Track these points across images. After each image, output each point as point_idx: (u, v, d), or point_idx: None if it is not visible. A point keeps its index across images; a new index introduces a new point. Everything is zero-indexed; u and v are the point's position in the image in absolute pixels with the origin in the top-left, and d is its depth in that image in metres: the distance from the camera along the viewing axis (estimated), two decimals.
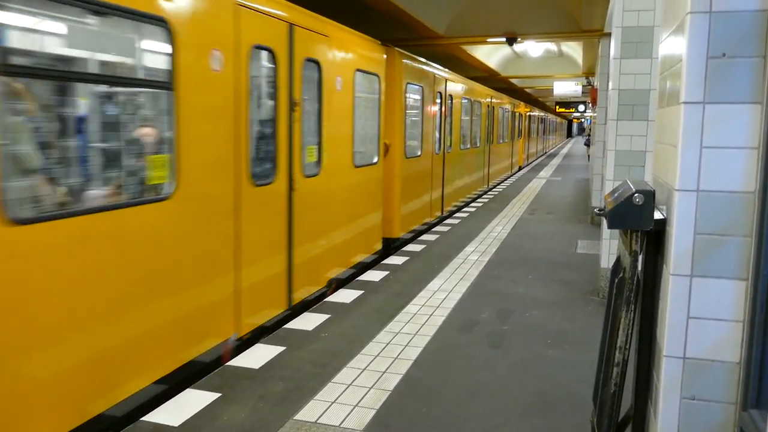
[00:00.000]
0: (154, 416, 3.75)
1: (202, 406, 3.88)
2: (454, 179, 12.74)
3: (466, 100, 13.95)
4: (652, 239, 2.32)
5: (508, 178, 21.60)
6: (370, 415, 3.81)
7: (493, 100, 17.85)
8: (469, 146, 14.54)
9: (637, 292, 2.35)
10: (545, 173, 23.58)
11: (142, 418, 3.72)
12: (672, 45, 2.23)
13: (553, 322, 5.68)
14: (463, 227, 10.86)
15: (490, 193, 16.69)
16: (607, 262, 6.31)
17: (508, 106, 21.59)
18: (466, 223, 11.29)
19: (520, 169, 25.72)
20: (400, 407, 3.94)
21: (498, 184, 18.79)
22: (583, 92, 23.07)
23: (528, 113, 28.34)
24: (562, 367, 4.65)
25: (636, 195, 2.21)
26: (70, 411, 3.39)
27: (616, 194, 2.48)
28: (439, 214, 11.68)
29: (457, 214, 12.45)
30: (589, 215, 11.70)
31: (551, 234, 10.30)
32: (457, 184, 13.21)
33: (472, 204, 14.21)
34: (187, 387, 4.19)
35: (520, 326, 5.56)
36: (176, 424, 3.65)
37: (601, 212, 2.55)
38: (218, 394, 4.05)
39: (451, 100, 12.47)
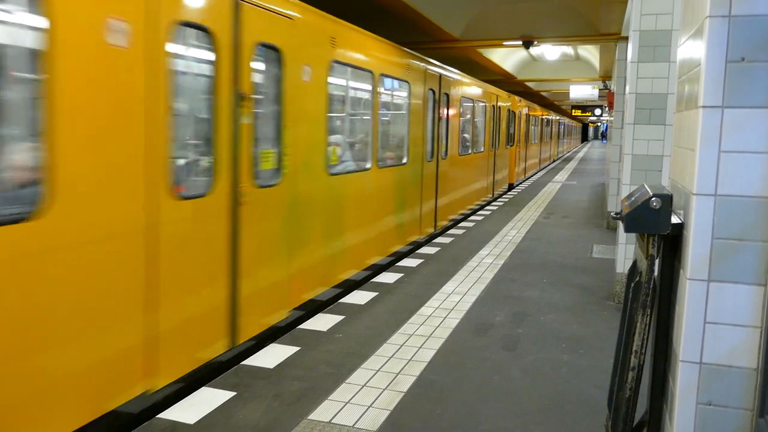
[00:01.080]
0: (170, 414, 3.78)
1: (217, 405, 3.92)
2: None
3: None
4: (669, 243, 2.31)
5: (482, 208, 14.16)
6: (383, 416, 3.82)
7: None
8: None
9: (654, 297, 2.34)
10: (561, 177, 23.48)
11: (157, 416, 3.76)
12: (690, 49, 2.22)
13: (567, 327, 5.66)
14: (477, 230, 10.84)
15: (497, 201, 16.60)
16: (623, 266, 6.28)
17: (481, 99, 13.79)
18: (480, 227, 11.27)
19: (510, 188, 18.27)
20: (414, 409, 3.95)
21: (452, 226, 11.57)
22: (599, 96, 22.97)
23: (523, 110, 20.13)
24: (576, 372, 4.63)
25: (653, 199, 2.20)
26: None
27: (632, 198, 2.48)
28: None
29: (471, 217, 12.43)
30: (605, 220, 11.64)
31: (566, 238, 10.26)
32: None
33: (487, 207, 14.17)
34: (203, 385, 4.22)
35: (535, 330, 5.55)
36: (191, 422, 3.68)
37: (618, 216, 2.55)
38: (233, 393, 4.08)
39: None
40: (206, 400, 3.99)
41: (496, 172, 16.00)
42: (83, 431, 3.38)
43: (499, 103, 15.95)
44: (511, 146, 18.16)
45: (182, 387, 4.16)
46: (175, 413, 3.79)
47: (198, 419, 3.72)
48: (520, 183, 20.33)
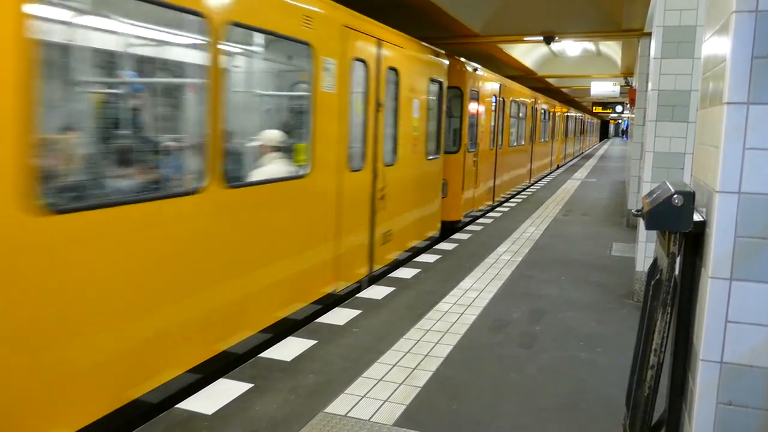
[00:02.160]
0: (188, 404, 3.82)
1: (235, 396, 3.95)
2: None
3: None
4: (691, 241, 2.29)
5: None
6: (399, 411, 3.83)
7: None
8: None
9: (674, 295, 2.32)
10: (580, 174, 23.31)
11: (176, 406, 3.80)
12: (715, 45, 2.19)
13: (585, 325, 5.62)
14: (495, 227, 10.80)
15: (523, 193, 16.54)
16: (642, 265, 6.22)
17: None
18: (498, 224, 11.23)
19: (493, 208, 13.72)
20: (430, 404, 3.95)
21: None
22: (621, 93, 22.74)
23: (517, 100, 15.73)
24: (593, 370, 4.60)
25: (675, 196, 2.18)
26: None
27: (654, 195, 2.45)
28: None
29: (490, 214, 12.39)
30: (625, 217, 11.53)
31: (586, 236, 10.19)
32: None
33: (505, 204, 14.11)
34: (220, 377, 4.26)
35: (552, 327, 5.52)
36: (209, 413, 3.72)
37: (639, 213, 2.52)
38: (250, 385, 4.11)
39: None
40: (224, 391, 4.02)
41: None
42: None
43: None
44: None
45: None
46: (193, 403, 3.83)
47: (216, 410, 3.76)
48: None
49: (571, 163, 31.28)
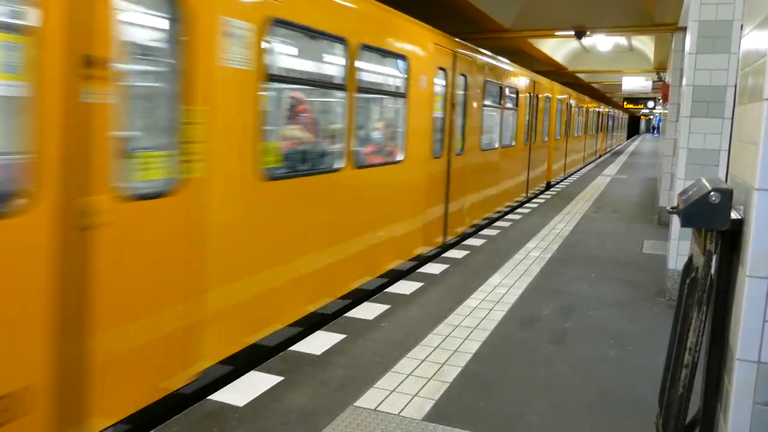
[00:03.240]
0: (220, 396, 3.88)
1: (266, 388, 4.00)
2: None
3: None
4: (728, 240, 2.26)
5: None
6: (429, 405, 3.84)
7: None
8: None
9: (710, 294, 2.29)
10: (610, 171, 23.02)
11: (208, 397, 3.86)
12: (755, 39, 2.16)
13: (616, 322, 5.57)
14: (524, 223, 10.73)
15: (552, 190, 16.40)
16: (675, 263, 6.14)
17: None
18: (527, 220, 11.15)
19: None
20: (459, 399, 3.96)
21: None
22: (653, 88, 22.38)
23: (509, 84, 11.76)
24: (624, 368, 4.56)
25: (712, 193, 2.15)
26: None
27: (689, 192, 2.43)
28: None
29: (519, 210, 12.32)
30: (656, 215, 11.37)
31: (616, 233, 10.08)
32: None
33: (534, 200, 14.02)
34: (252, 369, 4.32)
35: (582, 324, 5.48)
36: (240, 405, 3.77)
37: (674, 210, 2.50)
38: (281, 378, 4.16)
39: None
40: (254, 383, 4.08)
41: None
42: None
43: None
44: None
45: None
46: (224, 395, 3.89)
47: (246, 402, 3.81)
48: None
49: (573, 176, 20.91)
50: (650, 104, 33.44)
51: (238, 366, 4.34)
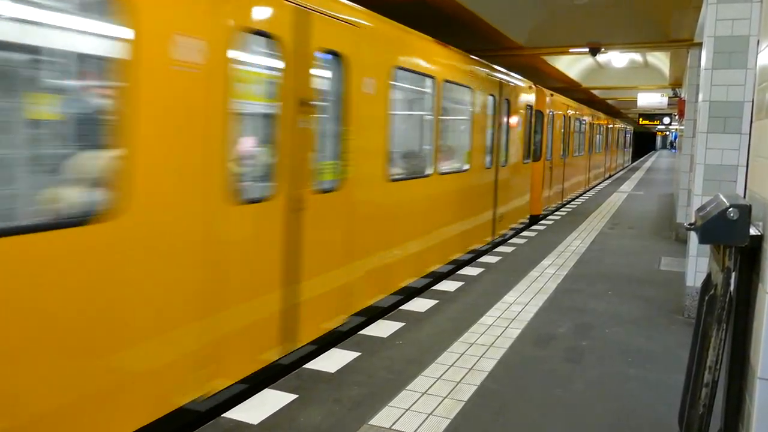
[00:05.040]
0: (234, 414, 3.87)
1: (280, 406, 3.98)
2: None
3: None
4: (747, 256, 2.23)
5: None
6: (444, 425, 3.81)
7: None
8: None
9: (730, 311, 2.26)
10: (626, 187, 22.87)
11: (222, 415, 3.85)
12: None
13: (634, 340, 5.50)
14: (539, 240, 10.67)
15: (567, 206, 16.31)
16: (693, 280, 6.06)
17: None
18: (542, 237, 11.09)
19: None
20: (475, 418, 3.92)
21: None
22: (669, 104, 22.27)
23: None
24: (643, 387, 4.49)
25: (730, 209, 2.13)
26: None
27: (707, 208, 2.40)
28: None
29: (534, 227, 12.26)
30: (674, 231, 11.26)
31: (633, 249, 9.98)
32: None
33: (549, 217, 13.95)
34: (266, 387, 4.30)
35: (599, 342, 5.41)
36: (255, 423, 3.76)
37: (692, 227, 2.47)
38: (295, 396, 4.14)
39: None
40: (269, 401, 4.06)
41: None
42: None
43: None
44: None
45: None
46: (239, 413, 3.88)
47: (261, 420, 3.80)
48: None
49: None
50: (666, 120, 33.26)
51: (253, 384, 4.34)
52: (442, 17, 9.58)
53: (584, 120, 20.44)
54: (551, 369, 4.79)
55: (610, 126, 27.77)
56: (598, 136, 24.47)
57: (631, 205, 16.76)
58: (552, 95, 14.60)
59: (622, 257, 9.28)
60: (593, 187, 22.16)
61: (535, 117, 13.06)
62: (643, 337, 5.59)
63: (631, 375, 4.72)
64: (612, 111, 35.24)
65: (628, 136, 42.33)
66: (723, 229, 2.17)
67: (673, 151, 68.12)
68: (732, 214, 2.13)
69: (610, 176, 28.54)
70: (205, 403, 3.91)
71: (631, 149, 46.65)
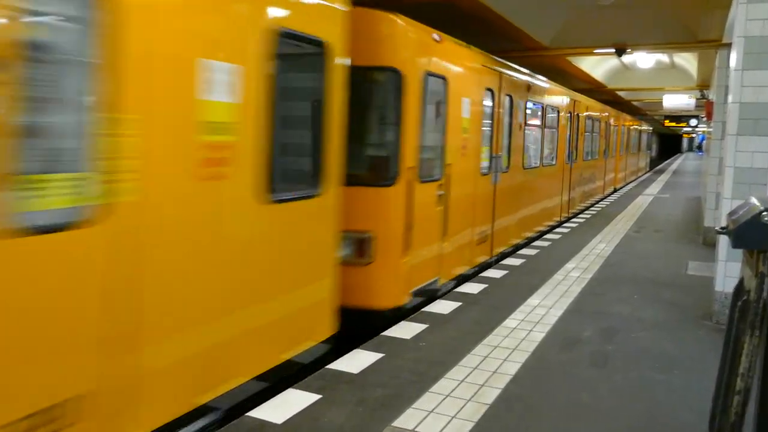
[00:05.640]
0: (258, 413, 3.89)
1: (304, 406, 3.99)
2: None
3: None
4: None
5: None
6: (467, 428, 3.78)
7: None
8: None
9: (763, 317, 2.22)
10: (652, 190, 22.59)
11: (247, 414, 3.87)
12: None
13: (661, 345, 5.42)
14: (563, 243, 10.58)
15: (592, 209, 16.16)
16: (722, 284, 5.96)
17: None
18: (567, 239, 11.00)
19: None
20: (499, 422, 3.89)
21: None
22: (696, 106, 21.95)
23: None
24: (670, 393, 4.43)
25: (765, 213, 2.09)
26: None
27: (740, 212, 2.36)
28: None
29: (557, 229, 12.16)
30: (701, 235, 11.09)
31: (659, 253, 9.85)
32: None
33: (573, 220, 13.84)
34: (289, 387, 4.32)
35: (625, 347, 5.35)
36: (279, 422, 3.77)
37: (724, 231, 2.43)
38: (319, 396, 4.15)
39: None
40: (293, 401, 4.08)
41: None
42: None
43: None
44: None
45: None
46: (263, 412, 3.89)
47: (285, 419, 3.81)
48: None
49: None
50: (693, 122, 32.83)
51: (275, 383, 4.35)
52: (466, 17, 9.55)
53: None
54: (576, 373, 4.74)
55: (612, 122, 20.35)
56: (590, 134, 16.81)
57: (657, 208, 16.56)
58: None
59: (647, 261, 9.17)
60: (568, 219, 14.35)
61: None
62: (670, 343, 5.51)
63: (658, 380, 4.65)
64: (630, 110, 34.79)
65: (646, 137, 35.15)
66: (756, 234, 2.13)
67: (700, 153, 67.07)
68: (766, 218, 2.09)
69: (615, 190, 21.75)
70: (229, 402, 3.94)
71: (649, 154, 40.82)
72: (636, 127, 28.29)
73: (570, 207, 14.22)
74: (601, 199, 18.52)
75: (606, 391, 4.43)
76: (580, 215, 14.64)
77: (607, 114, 19.12)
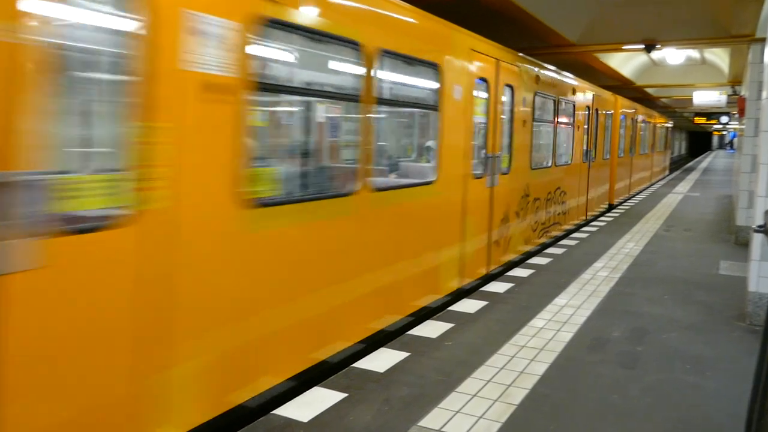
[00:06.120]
0: (285, 411, 3.89)
1: (330, 405, 3.98)
2: None
3: None
4: None
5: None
6: (495, 428, 3.74)
7: None
8: None
9: None
10: (682, 188, 22.22)
11: (273, 412, 3.88)
12: None
13: (692, 347, 5.32)
14: (591, 242, 10.45)
15: (620, 207, 15.95)
16: (756, 285, 5.82)
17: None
18: (594, 238, 10.85)
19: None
20: (527, 423, 3.84)
21: None
22: (727, 102, 21.53)
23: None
24: (703, 396, 4.33)
25: None
26: None
27: None
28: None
29: (585, 228, 12.01)
30: (733, 234, 10.87)
31: (689, 252, 9.67)
32: None
33: (601, 219, 13.67)
34: (315, 385, 4.31)
35: (656, 348, 5.25)
36: (305, 420, 3.77)
37: (762, 229, 2.36)
38: (345, 394, 4.14)
39: None
40: (319, 399, 4.07)
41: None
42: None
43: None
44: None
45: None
46: (289, 410, 3.89)
47: (311, 418, 3.80)
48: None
49: None
50: (723, 119, 32.22)
51: (302, 381, 4.35)
52: (490, 13, 9.47)
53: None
54: (605, 374, 4.66)
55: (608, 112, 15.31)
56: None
57: (687, 206, 16.28)
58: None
59: (678, 260, 9.01)
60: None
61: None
62: (701, 344, 5.40)
63: (690, 383, 4.56)
64: (668, 110, 34.22)
65: (663, 132, 27.82)
66: None
67: (731, 151, 65.84)
68: None
69: (610, 207, 16.13)
70: (256, 400, 3.95)
71: (669, 153, 33.30)
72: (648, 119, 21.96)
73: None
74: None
75: (637, 392, 4.35)
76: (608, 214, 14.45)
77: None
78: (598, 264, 8.58)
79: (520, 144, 8.45)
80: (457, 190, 6.63)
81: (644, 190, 21.26)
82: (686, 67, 20.46)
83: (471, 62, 6.74)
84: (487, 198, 7.39)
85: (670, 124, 31.18)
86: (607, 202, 15.68)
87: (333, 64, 5.48)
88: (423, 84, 6.22)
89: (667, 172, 30.54)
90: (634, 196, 18.95)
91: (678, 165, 43.38)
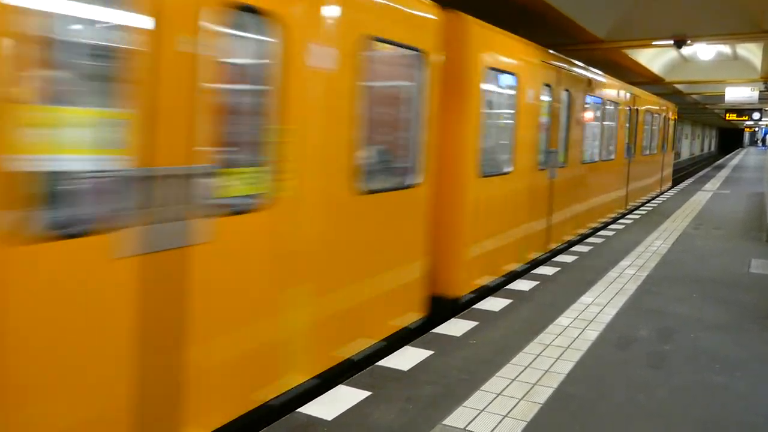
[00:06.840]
0: (309, 408, 3.90)
1: (353, 403, 3.98)
2: None
3: None
4: None
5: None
6: (520, 427, 3.71)
7: None
8: None
9: None
10: (711, 186, 21.82)
11: (297, 410, 3.89)
12: None
13: (722, 347, 5.22)
14: (618, 240, 10.31)
15: (647, 205, 15.72)
16: None
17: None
18: (621, 236, 10.71)
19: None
20: (552, 422, 3.80)
21: None
22: (760, 98, 21.10)
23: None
24: (733, 397, 4.25)
25: None
26: None
27: None
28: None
29: (612, 226, 11.87)
30: (764, 232, 10.65)
31: (719, 251, 9.50)
32: None
33: (628, 216, 13.49)
34: (339, 383, 4.32)
35: (684, 348, 5.17)
36: (329, 418, 3.78)
37: None
38: (368, 393, 4.14)
39: None
40: (342, 397, 4.08)
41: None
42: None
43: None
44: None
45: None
46: (313, 408, 3.90)
47: (335, 416, 3.81)
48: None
49: None
50: (756, 115, 31.61)
51: (325, 380, 4.37)
52: (516, 9, 9.39)
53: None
54: (632, 373, 4.60)
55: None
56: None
57: (717, 204, 15.98)
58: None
59: (707, 259, 8.85)
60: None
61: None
62: (732, 344, 5.30)
63: (719, 383, 4.48)
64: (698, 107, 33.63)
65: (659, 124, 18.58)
66: None
67: (763, 148, 64.56)
68: None
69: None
70: (280, 398, 3.97)
71: (673, 152, 23.49)
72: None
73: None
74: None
75: (664, 392, 4.29)
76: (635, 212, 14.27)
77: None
78: (624, 262, 8.47)
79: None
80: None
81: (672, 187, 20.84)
82: (717, 62, 20.07)
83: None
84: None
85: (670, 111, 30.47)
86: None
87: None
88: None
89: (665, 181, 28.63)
90: (666, 191, 19.39)
91: (707, 163, 42.26)
